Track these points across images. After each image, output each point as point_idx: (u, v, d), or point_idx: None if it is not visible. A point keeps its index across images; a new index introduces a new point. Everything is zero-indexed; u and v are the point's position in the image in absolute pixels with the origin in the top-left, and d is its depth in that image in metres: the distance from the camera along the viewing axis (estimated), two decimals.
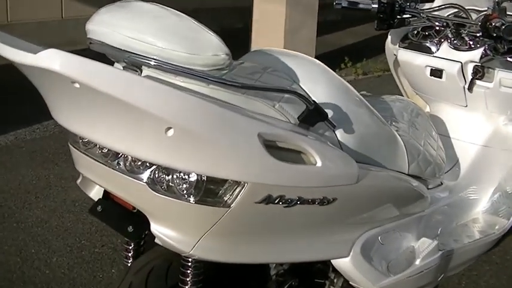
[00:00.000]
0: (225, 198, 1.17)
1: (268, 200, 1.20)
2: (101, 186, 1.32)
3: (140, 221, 1.27)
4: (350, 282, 1.51)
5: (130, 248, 1.50)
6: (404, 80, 2.50)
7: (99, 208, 1.37)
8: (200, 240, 1.19)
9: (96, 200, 1.39)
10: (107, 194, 1.38)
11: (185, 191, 1.16)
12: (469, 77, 2.11)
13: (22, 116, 3.98)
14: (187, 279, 1.34)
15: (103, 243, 2.62)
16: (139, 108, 1.00)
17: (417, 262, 1.63)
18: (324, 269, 1.65)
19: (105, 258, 2.51)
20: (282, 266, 1.59)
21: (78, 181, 1.44)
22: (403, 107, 1.90)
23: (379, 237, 1.54)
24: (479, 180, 2.18)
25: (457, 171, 2.15)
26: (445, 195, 2.04)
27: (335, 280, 1.61)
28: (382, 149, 1.54)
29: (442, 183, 2.03)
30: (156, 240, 1.24)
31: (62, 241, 2.63)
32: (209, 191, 1.17)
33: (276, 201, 1.22)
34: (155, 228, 1.21)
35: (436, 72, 2.18)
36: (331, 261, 1.47)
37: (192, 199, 1.16)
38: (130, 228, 1.29)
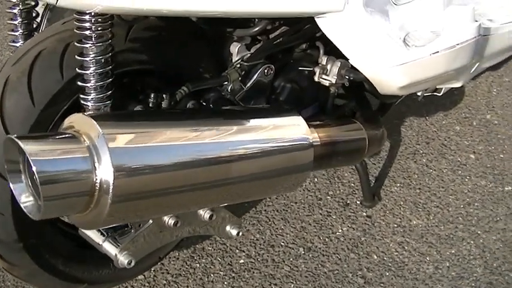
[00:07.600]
0: None
1: None
2: None
3: None
4: (350, 62, 1.00)
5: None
6: None
7: None
8: None
9: None
10: None
11: None
12: None
13: None
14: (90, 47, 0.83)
15: None
16: None
17: (447, 32, 1.10)
18: (312, 54, 1.15)
19: None
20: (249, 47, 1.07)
21: None
22: None
23: None
24: None
25: None
26: None
27: (328, 66, 1.11)
28: None
29: None
30: None
31: None
32: None
33: None
34: None
35: None
36: (320, 24, 0.94)
37: None
38: None
